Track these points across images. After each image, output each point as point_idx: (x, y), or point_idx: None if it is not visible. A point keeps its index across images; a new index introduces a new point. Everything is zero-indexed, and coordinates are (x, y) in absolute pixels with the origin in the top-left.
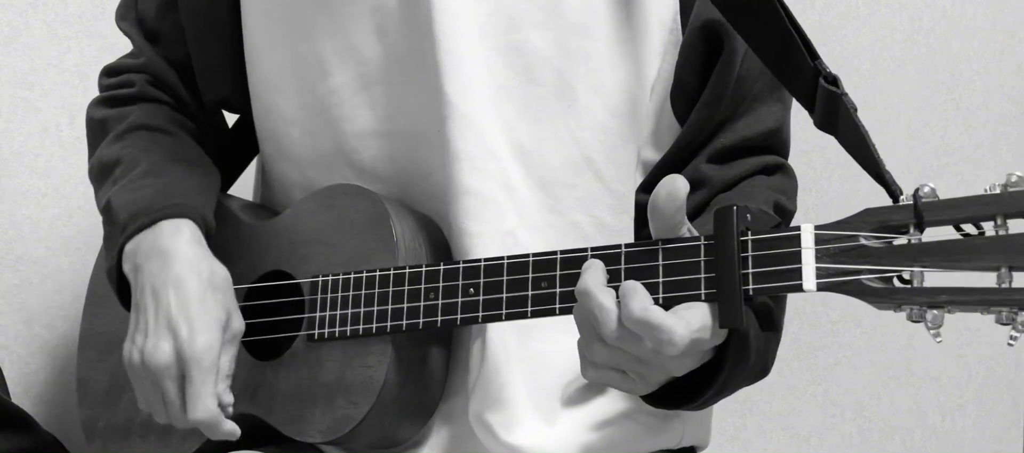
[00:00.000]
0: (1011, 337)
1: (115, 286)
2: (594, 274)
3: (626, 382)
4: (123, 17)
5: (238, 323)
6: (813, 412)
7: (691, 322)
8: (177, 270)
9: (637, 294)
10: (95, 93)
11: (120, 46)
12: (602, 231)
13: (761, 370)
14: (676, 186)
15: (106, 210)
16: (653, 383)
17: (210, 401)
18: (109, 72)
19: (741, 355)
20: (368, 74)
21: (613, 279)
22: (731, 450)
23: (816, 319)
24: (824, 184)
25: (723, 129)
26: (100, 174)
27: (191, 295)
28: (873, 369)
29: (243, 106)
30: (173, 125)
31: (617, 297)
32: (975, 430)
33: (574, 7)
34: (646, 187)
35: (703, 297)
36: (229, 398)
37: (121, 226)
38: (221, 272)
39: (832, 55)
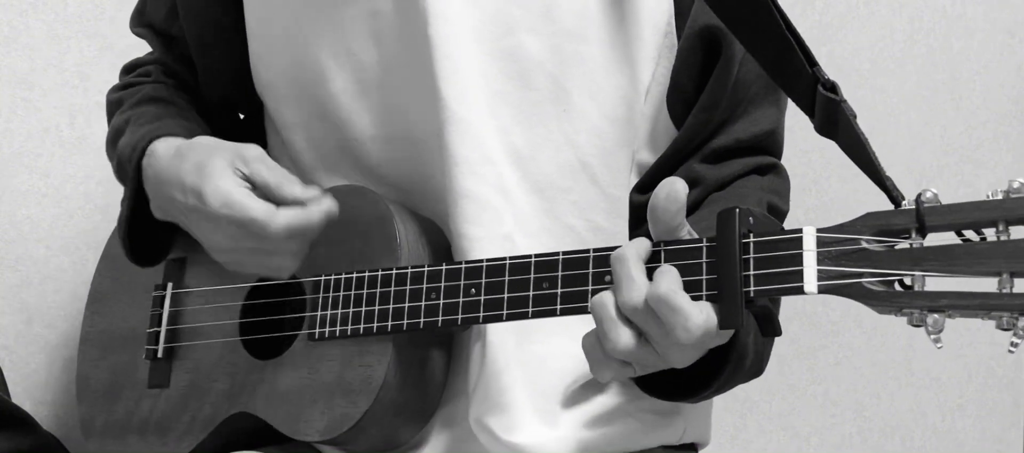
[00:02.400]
0: (1012, 343)
1: (125, 238)
2: (637, 245)
3: (627, 371)
4: (136, 23)
5: (250, 150)
6: (813, 412)
7: (711, 317)
8: (166, 174)
9: (671, 275)
10: (95, 93)
11: (120, 46)
12: (597, 235)
13: (757, 369)
14: (676, 188)
15: (118, 165)
16: (650, 370)
17: (270, 214)
18: (128, 69)
19: (742, 355)
20: (366, 79)
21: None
22: (731, 450)
23: (816, 319)
24: (824, 185)
25: (719, 132)
26: (112, 140)
27: (185, 175)
28: (873, 369)
29: (247, 107)
30: (183, 99)
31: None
32: (975, 430)
33: (568, 12)
34: (641, 188)
35: (705, 298)
36: (308, 192)
37: (128, 160)
38: (201, 140)
39: (832, 55)
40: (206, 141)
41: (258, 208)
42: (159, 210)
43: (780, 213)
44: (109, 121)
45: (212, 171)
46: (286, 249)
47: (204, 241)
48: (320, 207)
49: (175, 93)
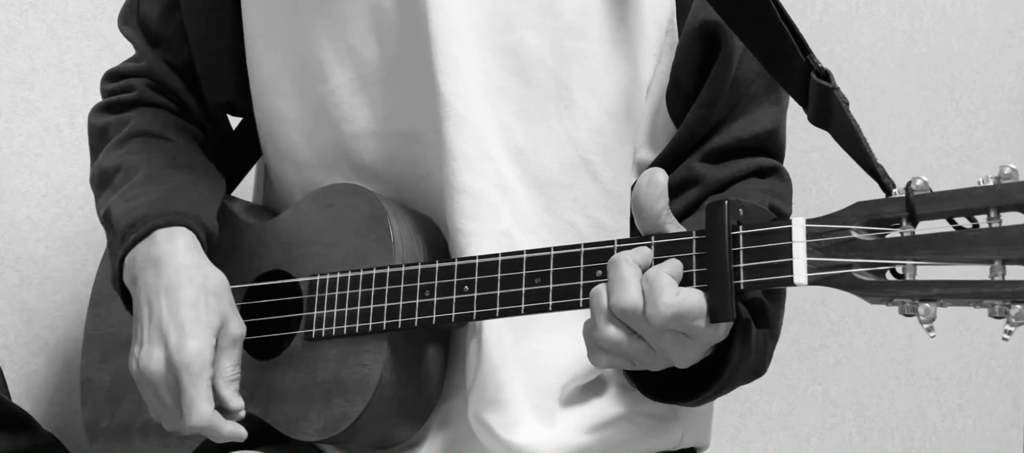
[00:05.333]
0: (1006, 331)
1: (119, 294)
2: (635, 252)
3: (628, 365)
4: (125, 21)
5: (236, 327)
6: (813, 412)
7: (686, 298)
8: (169, 277)
9: (670, 263)
10: (95, 93)
11: (120, 47)
12: (598, 231)
13: (758, 369)
14: (656, 176)
15: (106, 219)
16: (653, 369)
17: (204, 405)
18: (110, 77)
19: (743, 353)
20: (367, 75)
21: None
22: (731, 450)
23: (816, 319)
24: (824, 184)
25: (718, 130)
26: (100, 182)
27: (182, 301)
28: (873, 369)
29: (246, 109)
30: (174, 131)
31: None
32: (975, 430)
33: (569, 8)
34: None
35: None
36: (237, 402)
37: (120, 235)
38: (216, 277)
39: (832, 55)
40: (218, 278)
41: (204, 395)
42: (129, 276)
43: (782, 217)
44: (92, 148)
45: (202, 324)
46: (182, 425)
47: (141, 356)
48: (231, 430)
49: (164, 123)
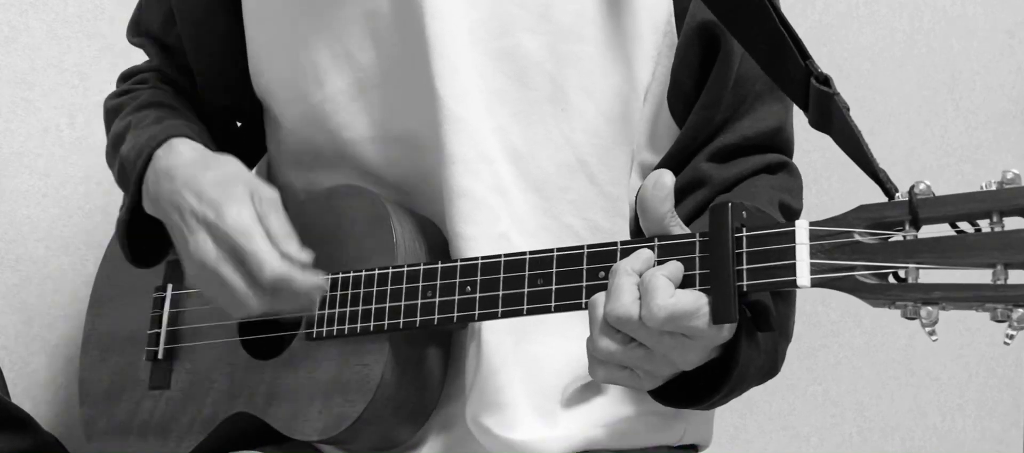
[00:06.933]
0: (1008, 335)
1: (123, 239)
2: (633, 260)
3: (632, 379)
4: (133, 33)
5: (267, 191)
6: (813, 412)
7: (680, 298)
8: (184, 174)
9: (670, 265)
10: (95, 93)
11: (120, 46)
12: (595, 234)
13: (770, 370)
14: (663, 178)
15: (120, 169)
16: (659, 377)
17: (271, 255)
18: (125, 76)
19: (751, 355)
20: (364, 80)
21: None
22: (731, 450)
23: (816, 319)
24: (825, 184)
25: (724, 130)
26: (114, 144)
27: (205, 185)
28: (873, 369)
29: (246, 113)
30: (184, 105)
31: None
32: (975, 430)
33: (565, 11)
34: None
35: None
36: (304, 256)
37: (132, 163)
38: (227, 157)
39: (832, 55)
40: (230, 160)
41: (266, 248)
42: (152, 203)
43: (793, 212)
44: (107, 128)
45: (234, 193)
46: (259, 296)
47: (191, 250)
48: (311, 279)
49: (174, 98)
